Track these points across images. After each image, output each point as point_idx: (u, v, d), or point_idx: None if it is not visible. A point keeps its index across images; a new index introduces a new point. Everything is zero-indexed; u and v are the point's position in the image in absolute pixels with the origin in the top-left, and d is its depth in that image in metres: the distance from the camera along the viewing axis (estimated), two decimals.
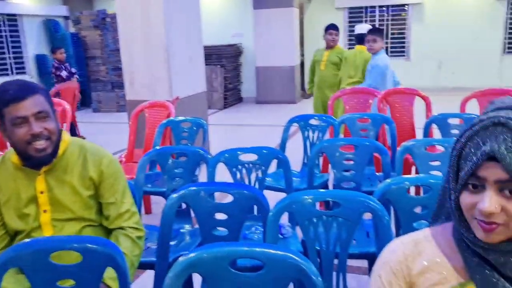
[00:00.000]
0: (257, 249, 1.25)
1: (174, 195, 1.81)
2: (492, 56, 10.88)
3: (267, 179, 3.02)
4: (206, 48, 9.87)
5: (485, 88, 3.89)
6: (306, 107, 8.46)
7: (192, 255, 1.24)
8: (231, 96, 10.57)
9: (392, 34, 11.54)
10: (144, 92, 4.91)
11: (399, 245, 1.01)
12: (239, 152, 2.41)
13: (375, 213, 1.62)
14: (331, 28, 5.43)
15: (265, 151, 2.38)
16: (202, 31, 5.46)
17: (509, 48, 10.90)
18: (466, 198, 0.88)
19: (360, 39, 5.20)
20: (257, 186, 2.45)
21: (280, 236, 2.27)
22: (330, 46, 5.50)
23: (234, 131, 8.05)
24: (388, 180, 1.79)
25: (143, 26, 4.77)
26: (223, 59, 10.18)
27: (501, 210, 0.85)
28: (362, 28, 5.31)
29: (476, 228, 0.88)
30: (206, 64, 9.88)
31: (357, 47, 5.25)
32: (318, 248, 1.72)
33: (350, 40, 11.43)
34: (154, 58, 4.83)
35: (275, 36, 10.01)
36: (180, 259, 1.25)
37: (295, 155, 3.55)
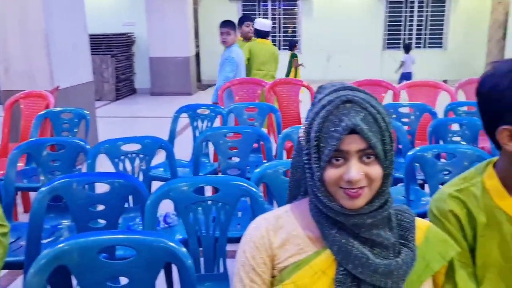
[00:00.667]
0: (125, 236, 1.22)
1: (44, 188, 1.70)
2: (374, 51, 11.78)
3: (160, 169, 2.99)
4: (95, 36, 9.39)
5: (363, 79, 4.22)
6: (202, 98, 8.44)
7: (57, 247, 1.18)
8: (124, 87, 10.17)
9: (284, 28, 11.96)
10: (22, 81, 4.52)
11: (262, 221, 1.06)
12: (120, 142, 2.33)
13: (251, 196, 1.67)
14: (247, 19, 5.39)
15: (148, 141, 2.34)
16: (90, 18, 5.17)
17: (388, 44, 11.89)
18: (331, 173, 0.94)
19: (260, 33, 5.24)
20: (141, 177, 2.39)
21: (166, 225, 2.25)
22: (248, 38, 5.41)
23: (127, 123, 7.77)
24: (265, 165, 1.85)
25: (19, 10, 4.38)
26: (114, 48, 9.74)
27: (364, 176, 0.94)
28: (263, 23, 5.32)
29: (343, 198, 0.95)
30: (95, 54, 9.43)
31: (258, 40, 5.25)
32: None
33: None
34: (31, 44, 4.46)
35: (169, 26, 9.81)
36: (43, 252, 1.18)
37: (189, 145, 3.53)
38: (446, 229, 1.16)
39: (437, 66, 11.41)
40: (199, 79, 10.95)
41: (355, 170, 0.92)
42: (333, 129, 0.92)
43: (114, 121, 7.79)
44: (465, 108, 3.61)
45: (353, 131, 0.91)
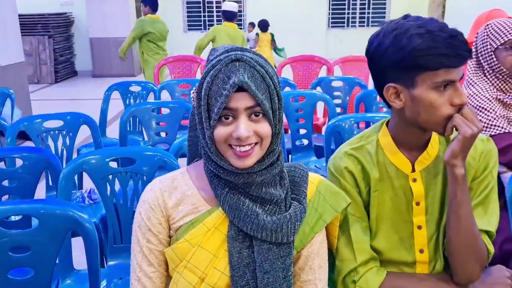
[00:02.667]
0: (26, 206, 1.20)
1: None
2: (318, 30, 11.93)
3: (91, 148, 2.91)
4: (30, 16, 8.95)
5: (299, 55, 4.27)
6: None
7: None
8: (63, 70, 9.78)
9: None
10: None
11: (157, 183, 1.07)
12: (38, 120, 2.26)
13: (168, 166, 1.68)
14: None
15: (69, 117, 2.28)
16: None
17: (332, 23, 12.07)
18: (221, 131, 0.95)
19: (228, 16, 5.14)
20: (65, 153, 2.34)
21: (91, 201, 2.22)
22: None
23: (67, 106, 7.50)
24: (184, 137, 1.86)
25: None
26: (51, 29, 9.32)
27: (253, 133, 0.96)
28: (229, 5, 5.20)
29: (232, 157, 0.97)
30: (31, 35, 9.00)
31: (225, 23, 5.13)
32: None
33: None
34: None
35: (109, 5, 9.47)
36: None
37: None
38: (341, 185, 1.21)
39: None
40: None
41: (244, 127, 0.94)
42: (221, 86, 0.93)
43: (53, 104, 7.51)
44: None
45: (241, 88, 0.93)
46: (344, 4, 11.98)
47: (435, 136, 1.21)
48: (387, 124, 1.25)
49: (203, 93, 0.96)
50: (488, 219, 1.19)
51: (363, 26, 12.03)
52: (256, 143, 0.98)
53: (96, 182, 1.67)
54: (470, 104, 1.88)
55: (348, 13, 12.03)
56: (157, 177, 1.10)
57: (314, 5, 11.75)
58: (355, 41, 11.42)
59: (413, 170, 1.20)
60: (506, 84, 1.89)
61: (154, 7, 5.20)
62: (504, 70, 1.85)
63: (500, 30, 1.86)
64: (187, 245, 1.02)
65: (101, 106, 3.26)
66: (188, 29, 12.17)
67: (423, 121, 1.12)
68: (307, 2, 11.69)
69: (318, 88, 3.47)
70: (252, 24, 9.46)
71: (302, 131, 2.90)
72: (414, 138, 1.18)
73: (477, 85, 1.92)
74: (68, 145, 2.34)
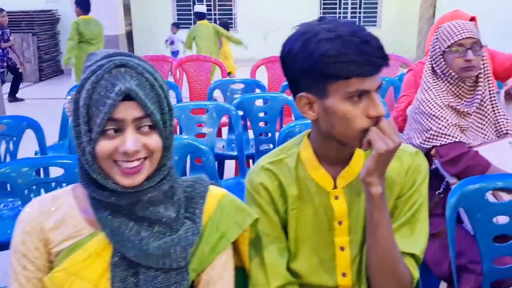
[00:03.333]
0: None
1: None
2: None
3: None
4: (14, 14, 8.82)
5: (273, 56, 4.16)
6: None
7: None
8: (48, 68, 9.66)
9: (220, 6, 11.74)
10: None
11: (36, 203, 0.97)
12: None
13: None
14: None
15: (9, 120, 2.18)
16: None
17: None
18: (104, 146, 0.85)
19: (199, 16, 6.37)
20: (8, 158, 2.24)
21: None
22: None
23: (52, 105, 7.38)
24: None
25: None
26: (36, 26, 9.20)
27: (142, 147, 0.86)
28: (201, 7, 6.55)
29: (119, 175, 0.87)
30: (15, 32, 8.87)
31: (199, 22, 6.27)
32: None
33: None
34: None
35: (95, 2, 9.31)
36: None
37: None
38: (256, 202, 1.12)
39: None
40: None
41: (132, 140, 0.85)
42: (104, 94, 0.83)
43: (37, 102, 7.40)
44: None
45: (128, 97, 0.83)
46: (336, 4, 11.88)
47: (360, 150, 1.11)
48: (309, 136, 1.15)
49: (81, 103, 0.85)
50: (414, 240, 1.09)
51: None
52: (145, 158, 0.88)
53: (19, 193, 1.57)
54: (422, 111, 1.79)
55: (340, 13, 11.93)
56: (37, 197, 1.00)
57: (305, 5, 11.64)
58: None
59: (335, 187, 1.11)
60: (459, 89, 1.80)
61: (86, 8, 5.36)
62: (453, 73, 1.76)
63: (448, 32, 1.77)
64: (63, 274, 0.91)
65: (63, 108, 3.15)
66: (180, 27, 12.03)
67: (338, 134, 1.01)
68: (298, 1, 11.59)
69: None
70: (176, 25, 9.24)
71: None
72: (335, 151, 1.08)
73: (431, 90, 1.83)
74: (12, 150, 2.23)
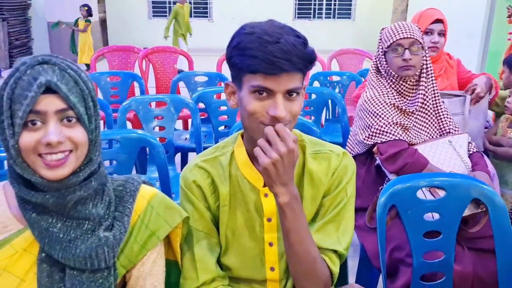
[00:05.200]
0: None
1: None
2: (284, 21, 11.66)
3: None
4: None
5: None
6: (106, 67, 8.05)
7: None
8: (20, 54, 9.41)
9: None
10: None
11: None
12: None
13: None
14: None
15: None
16: None
17: (298, 14, 11.99)
18: (27, 138, 0.87)
19: None
20: None
21: None
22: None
23: None
24: None
25: None
26: (6, 11, 8.94)
27: (66, 139, 0.89)
28: None
29: (43, 168, 0.89)
30: None
31: (178, 4, 7.72)
32: None
33: None
34: None
35: None
36: None
37: None
38: (189, 199, 1.16)
39: (346, 36, 11.72)
40: (107, 45, 10.41)
41: (54, 130, 0.87)
42: (27, 88, 0.85)
43: None
44: (334, 78, 3.71)
45: (50, 90, 0.86)
46: None
47: None
48: (242, 135, 1.19)
49: (5, 97, 0.87)
50: (338, 237, 1.14)
51: (329, 17, 12.00)
52: (70, 151, 0.90)
53: None
54: (366, 109, 1.85)
55: (315, 4, 11.96)
56: None
57: None
58: (321, 32, 11.44)
59: (266, 185, 1.15)
60: (401, 88, 1.86)
61: None
62: (393, 73, 1.83)
63: (389, 33, 1.84)
64: None
65: None
66: (153, 16, 11.91)
67: (247, 127, 1.08)
68: None
69: None
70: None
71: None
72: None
73: (375, 89, 1.89)
74: None
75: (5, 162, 1.68)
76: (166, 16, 11.78)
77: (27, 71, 0.87)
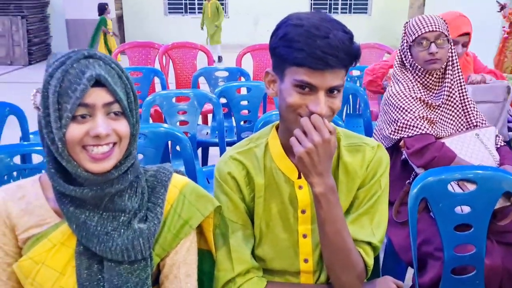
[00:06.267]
0: None
1: None
2: None
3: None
4: None
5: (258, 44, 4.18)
6: (125, 63, 8.12)
7: None
8: (38, 51, 9.57)
9: None
10: None
11: (1, 192, 0.99)
12: None
13: None
14: None
15: None
16: None
17: (314, 8, 11.92)
18: (75, 130, 0.88)
19: None
20: None
21: None
22: None
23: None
24: None
25: None
26: (25, 9, 9.09)
27: (112, 131, 0.91)
28: None
29: (87, 161, 0.90)
30: (3, 15, 8.77)
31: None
32: None
33: None
34: None
35: None
36: None
37: None
38: (224, 190, 1.17)
39: (362, 31, 11.59)
40: (124, 41, 10.49)
41: (103, 123, 0.89)
42: (75, 81, 0.87)
43: (27, 87, 7.32)
44: (355, 72, 3.69)
45: (97, 83, 0.88)
46: None
47: None
48: (277, 127, 1.20)
49: (52, 91, 0.87)
50: (372, 230, 1.14)
51: (345, 12, 11.91)
52: (114, 144, 0.92)
53: None
54: (391, 103, 1.85)
55: (331, 0, 11.89)
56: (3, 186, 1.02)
57: None
58: None
59: (300, 177, 1.16)
60: (426, 81, 1.85)
61: None
62: (419, 66, 1.82)
63: (413, 26, 1.82)
64: (30, 263, 0.95)
65: None
66: (169, 12, 11.96)
67: (284, 118, 1.08)
68: None
69: None
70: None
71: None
72: None
73: (401, 83, 1.88)
74: None
75: (33, 156, 1.72)
76: (182, 12, 11.83)
77: (74, 64, 0.88)
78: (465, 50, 2.22)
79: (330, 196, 1.03)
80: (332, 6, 11.87)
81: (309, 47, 0.96)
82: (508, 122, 2.92)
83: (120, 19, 10.62)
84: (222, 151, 2.58)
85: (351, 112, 3.62)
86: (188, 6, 11.91)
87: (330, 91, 1.01)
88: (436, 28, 1.78)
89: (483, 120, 1.90)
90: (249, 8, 11.47)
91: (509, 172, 1.54)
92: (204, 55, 4.12)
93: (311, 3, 11.80)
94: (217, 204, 1.09)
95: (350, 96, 3.28)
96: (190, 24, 10.93)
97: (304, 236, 1.18)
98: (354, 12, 11.98)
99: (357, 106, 3.54)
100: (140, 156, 1.93)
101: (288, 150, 1.15)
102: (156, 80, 3.42)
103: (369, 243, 1.13)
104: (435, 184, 1.43)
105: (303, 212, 1.17)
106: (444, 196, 1.44)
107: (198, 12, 11.41)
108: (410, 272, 1.82)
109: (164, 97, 2.48)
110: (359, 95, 2.89)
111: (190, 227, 1.05)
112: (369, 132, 2.73)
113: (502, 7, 5.16)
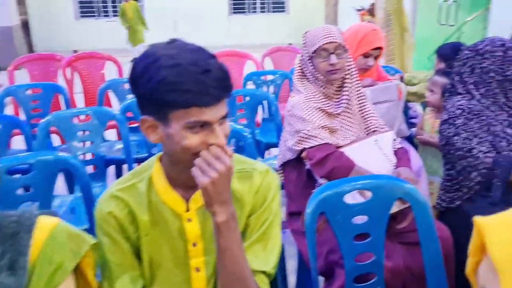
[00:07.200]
0: None
1: None
2: (220, 17, 11.75)
3: None
4: None
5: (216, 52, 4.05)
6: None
7: None
8: None
9: None
10: None
11: None
12: None
13: None
14: None
15: None
16: None
17: (234, 9, 11.94)
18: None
19: None
20: None
21: None
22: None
23: None
24: None
25: None
26: None
27: None
28: None
29: None
30: None
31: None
32: None
33: None
34: None
35: None
36: None
37: None
38: (106, 232, 1.09)
39: (281, 30, 11.82)
40: (31, 50, 9.84)
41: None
42: None
43: None
44: (269, 77, 3.70)
45: None
46: None
47: None
48: (161, 159, 1.14)
49: None
50: (266, 257, 1.12)
51: (264, 11, 12.04)
52: None
53: None
54: (293, 114, 1.85)
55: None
56: None
57: None
58: (258, 27, 11.48)
59: (188, 209, 1.11)
60: (328, 91, 1.88)
61: None
62: (321, 77, 1.85)
63: (313, 38, 1.85)
64: None
65: None
66: (81, 16, 11.42)
67: (182, 161, 1.03)
68: None
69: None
70: None
71: None
72: (185, 174, 1.07)
73: (301, 93, 1.89)
74: None
75: None
76: (95, 16, 11.35)
77: None
78: (376, 62, 2.30)
79: (231, 223, 1.02)
80: (251, 6, 11.94)
81: (195, 86, 0.94)
82: (410, 118, 3.09)
83: (25, 25, 9.94)
84: (130, 169, 2.47)
85: (268, 116, 3.63)
86: (102, 10, 11.43)
87: (221, 119, 1.01)
88: (334, 39, 1.82)
89: (381, 125, 1.96)
90: (167, 12, 11.23)
91: (399, 179, 1.59)
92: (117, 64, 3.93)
93: (230, 4, 11.80)
94: (93, 242, 1.01)
95: (266, 102, 3.29)
96: (105, 28, 10.52)
97: (197, 269, 1.14)
98: (273, 11, 12.14)
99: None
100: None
101: (173, 182, 1.11)
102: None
103: (264, 272, 1.11)
104: (331, 198, 1.45)
105: (194, 245, 1.13)
106: (340, 208, 1.46)
107: (113, 15, 11.00)
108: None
109: (61, 117, 2.32)
110: (269, 101, 2.90)
111: (64, 271, 0.95)
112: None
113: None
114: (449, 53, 2.63)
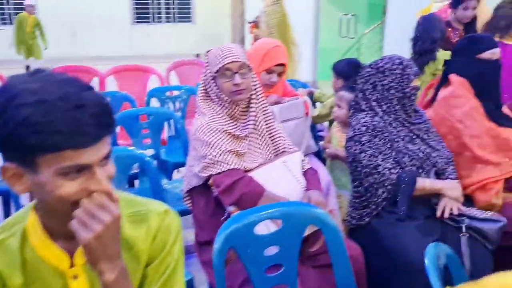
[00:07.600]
0: None
1: None
2: (122, 26, 11.28)
3: None
4: None
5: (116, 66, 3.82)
6: None
7: None
8: None
9: None
10: None
11: None
12: None
13: None
14: None
15: None
16: None
17: (137, 18, 11.55)
18: None
19: None
20: None
21: None
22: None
23: None
24: None
25: None
26: None
27: None
28: None
29: None
30: None
31: None
32: None
33: None
34: None
35: None
36: None
37: None
38: None
39: (188, 40, 11.64)
40: None
41: None
42: None
43: None
44: (172, 93, 3.54)
45: None
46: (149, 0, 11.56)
47: None
48: (37, 208, 0.96)
49: None
50: None
51: (170, 21, 11.80)
52: None
53: None
54: (198, 138, 1.74)
55: (153, 8, 11.65)
56: None
57: (116, 0, 11.06)
58: (163, 37, 11.21)
59: (73, 265, 0.94)
60: (232, 111, 1.79)
61: None
62: (225, 97, 1.75)
63: (216, 57, 1.76)
64: None
65: None
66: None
67: (59, 212, 0.87)
68: None
69: None
70: None
71: None
72: (66, 224, 0.90)
73: (206, 116, 1.78)
74: None
75: None
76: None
77: None
78: (280, 79, 2.25)
79: (123, 281, 0.89)
80: (156, 15, 11.64)
81: (66, 126, 0.78)
82: (318, 131, 3.12)
83: None
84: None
85: (174, 133, 3.47)
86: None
87: (103, 159, 0.86)
88: (237, 58, 1.73)
89: (289, 145, 1.92)
90: (64, 19, 10.52)
91: (309, 205, 1.55)
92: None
93: (133, 12, 11.39)
94: None
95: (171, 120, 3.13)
96: None
97: None
98: (178, 21, 11.93)
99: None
100: None
101: (53, 234, 0.93)
102: None
103: None
104: (241, 230, 1.35)
105: None
106: (250, 240, 1.38)
107: (2, 23, 10.10)
108: None
109: None
110: (175, 119, 2.76)
111: None
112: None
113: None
114: (345, 70, 2.71)
